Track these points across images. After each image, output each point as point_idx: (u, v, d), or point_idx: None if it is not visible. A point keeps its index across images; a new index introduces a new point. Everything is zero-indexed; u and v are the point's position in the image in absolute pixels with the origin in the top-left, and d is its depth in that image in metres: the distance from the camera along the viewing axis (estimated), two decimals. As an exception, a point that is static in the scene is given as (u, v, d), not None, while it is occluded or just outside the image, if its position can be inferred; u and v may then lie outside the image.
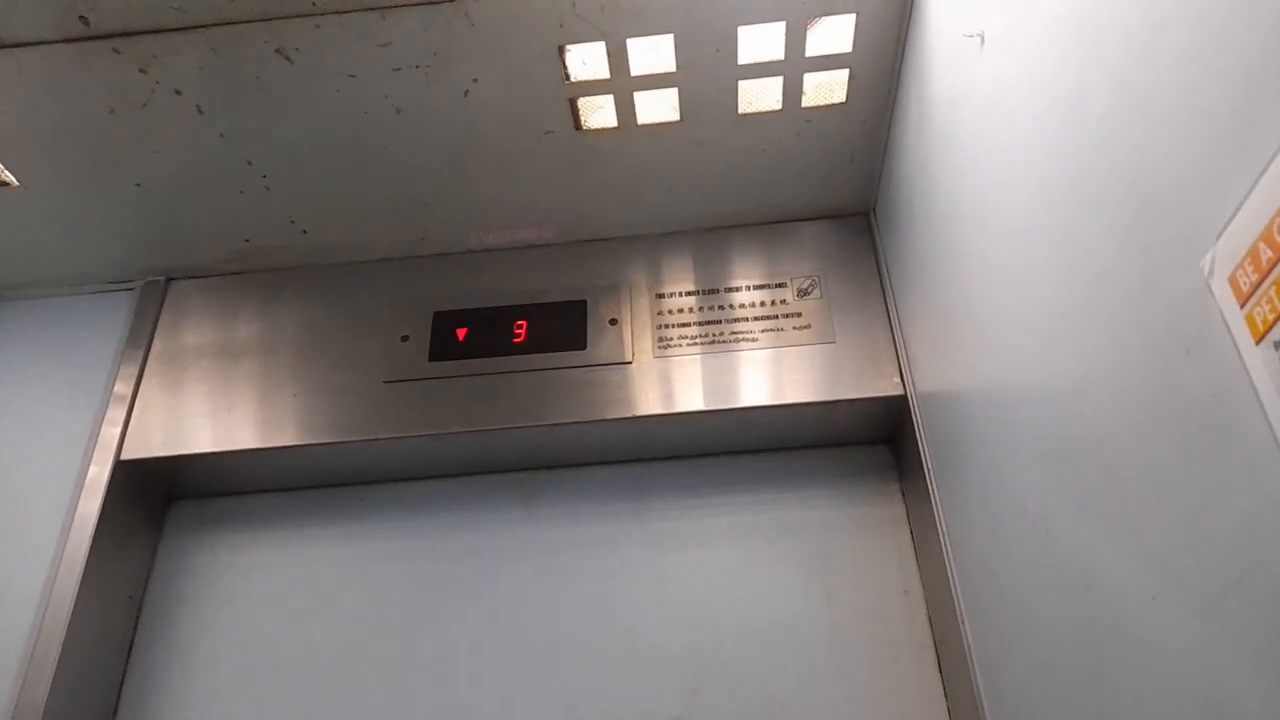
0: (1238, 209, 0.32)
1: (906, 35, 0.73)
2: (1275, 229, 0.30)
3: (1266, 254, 0.30)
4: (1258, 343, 0.31)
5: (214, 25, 0.73)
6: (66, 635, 0.77)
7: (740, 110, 0.79)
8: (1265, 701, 0.32)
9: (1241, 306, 0.31)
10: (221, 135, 0.80)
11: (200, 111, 0.78)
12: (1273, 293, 0.30)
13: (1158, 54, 0.37)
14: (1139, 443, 0.40)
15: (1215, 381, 0.33)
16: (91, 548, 0.81)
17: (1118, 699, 0.44)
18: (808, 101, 0.79)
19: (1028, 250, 0.51)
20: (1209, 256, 0.33)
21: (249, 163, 0.83)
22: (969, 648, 0.67)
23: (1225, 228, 0.32)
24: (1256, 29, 0.31)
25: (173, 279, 0.95)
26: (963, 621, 0.68)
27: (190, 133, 0.80)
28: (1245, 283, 0.31)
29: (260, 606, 0.87)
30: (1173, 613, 0.38)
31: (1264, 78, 0.30)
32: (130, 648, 0.86)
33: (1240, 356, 0.32)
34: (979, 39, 0.57)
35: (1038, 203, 0.49)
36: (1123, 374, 0.41)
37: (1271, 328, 0.30)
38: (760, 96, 0.78)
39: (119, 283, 0.96)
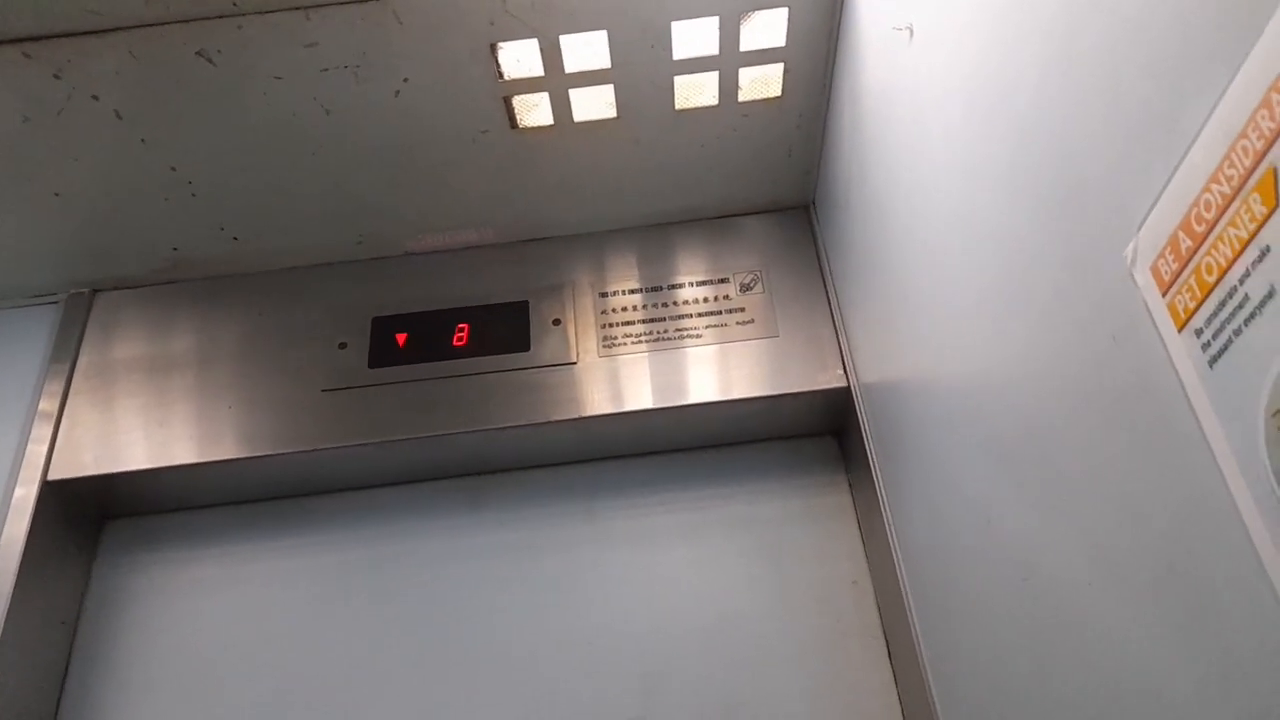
0: (1157, 199, 0.32)
1: (839, 29, 0.73)
2: (1194, 219, 0.30)
3: (1186, 243, 0.30)
4: (1180, 330, 0.31)
5: (131, 28, 0.70)
6: (-4, 664, 0.75)
7: (677, 106, 0.79)
8: (1197, 686, 0.33)
9: (1164, 295, 0.32)
10: (143, 141, 0.78)
11: (119, 117, 0.75)
12: (1193, 281, 0.30)
13: (1077, 46, 0.37)
14: (1073, 431, 0.40)
15: (1142, 370, 0.34)
16: (19, 573, 0.78)
17: (1059, 685, 0.44)
18: (744, 96, 0.79)
19: (961, 241, 0.51)
20: (1131, 246, 0.34)
21: (173, 169, 0.80)
22: (917, 636, 0.68)
23: (1146, 218, 0.33)
24: (1173, 21, 0.31)
25: (99, 290, 0.92)
26: (910, 610, 0.69)
27: (110, 139, 0.77)
28: (1167, 272, 0.32)
29: (202, 626, 0.85)
30: (1109, 599, 0.38)
31: (1180, 68, 0.31)
32: (64, 675, 0.83)
33: (1164, 345, 0.32)
34: (908, 32, 0.57)
35: (969, 194, 0.50)
36: (1055, 363, 0.41)
37: (1192, 316, 0.30)
38: (696, 92, 0.78)
39: (41, 296, 0.92)
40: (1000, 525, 0.50)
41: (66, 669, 0.83)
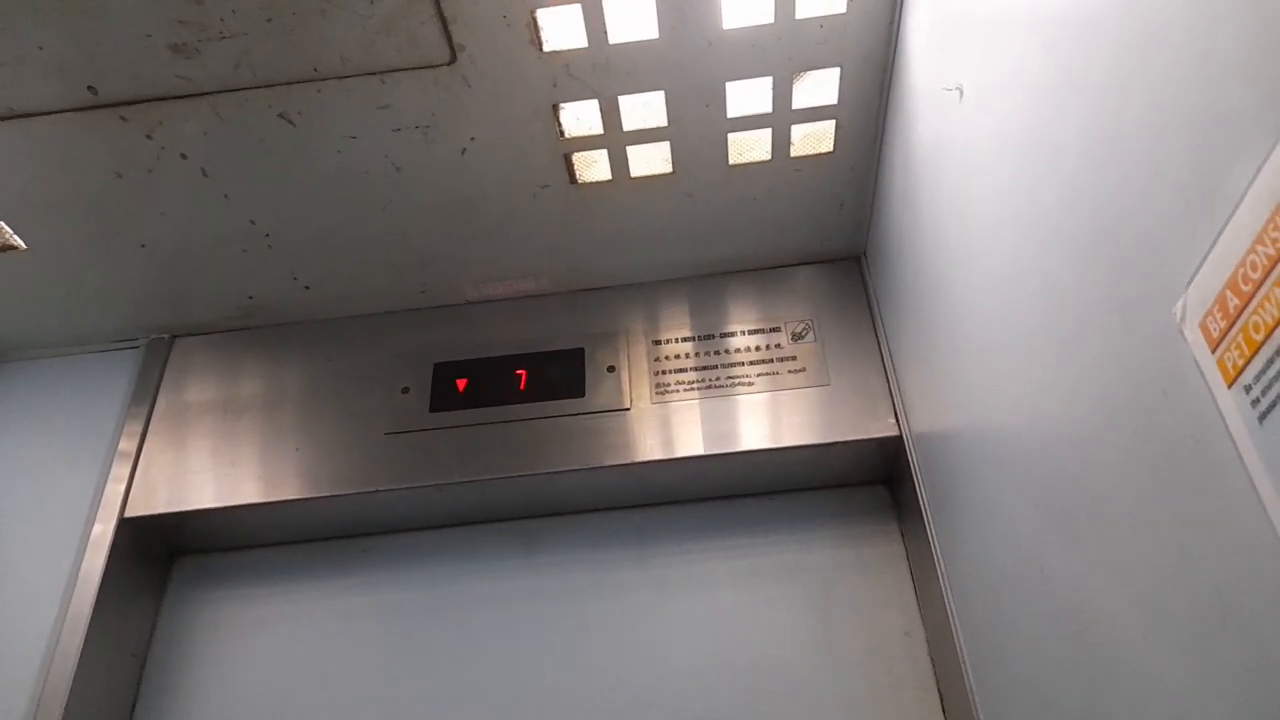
0: (1204, 258, 0.33)
1: (890, 87, 0.75)
2: (1240, 278, 0.31)
3: (1233, 301, 0.31)
4: (1229, 386, 0.32)
5: (219, 92, 0.75)
6: (70, 694, 0.78)
7: (731, 161, 0.81)
8: (1255, 737, 0.33)
9: (1213, 351, 0.33)
10: (226, 196, 0.82)
11: (205, 174, 0.80)
12: (1240, 339, 0.31)
13: (1124, 109, 0.38)
14: (1123, 483, 0.41)
15: (1192, 423, 0.35)
16: (95, 605, 0.82)
17: (1116, 736, 0.44)
18: (796, 151, 0.81)
19: (1010, 295, 0.53)
20: (1180, 303, 0.35)
21: (252, 222, 0.85)
22: (971, 688, 0.67)
23: (1194, 276, 0.34)
24: (1218, 87, 0.32)
25: (177, 336, 0.97)
26: (964, 662, 0.69)
27: (195, 195, 0.82)
28: (1215, 329, 0.33)
29: (264, 661, 0.87)
30: (1162, 652, 0.39)
31: (1225, 131, 0.32)
32: (134, 706, 0.85)
33: (1214, 400, 0.33)
34: (958, 93, 0.59)
35: (1018, 249, 0.51)
36: (1104, 416, 0.42)
37: (1241, 372, 0.31)
38: (749, 148, 0.81)
39: (124, 341, 0.97)
40: (1054, 577, 0.50)
41: (135, 699, 0.86)
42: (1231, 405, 0.32)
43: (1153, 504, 0.38)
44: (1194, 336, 0.34)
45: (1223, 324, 0.32)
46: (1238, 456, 0.32)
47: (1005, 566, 0.59)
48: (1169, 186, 0.35)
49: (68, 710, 0.77)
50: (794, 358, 0.87)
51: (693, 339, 0.90)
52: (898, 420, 0.82)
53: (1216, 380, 0.33)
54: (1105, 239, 0.41)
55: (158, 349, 0.96)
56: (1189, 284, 0.34)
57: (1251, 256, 0.30)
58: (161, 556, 0.92)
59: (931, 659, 0.79)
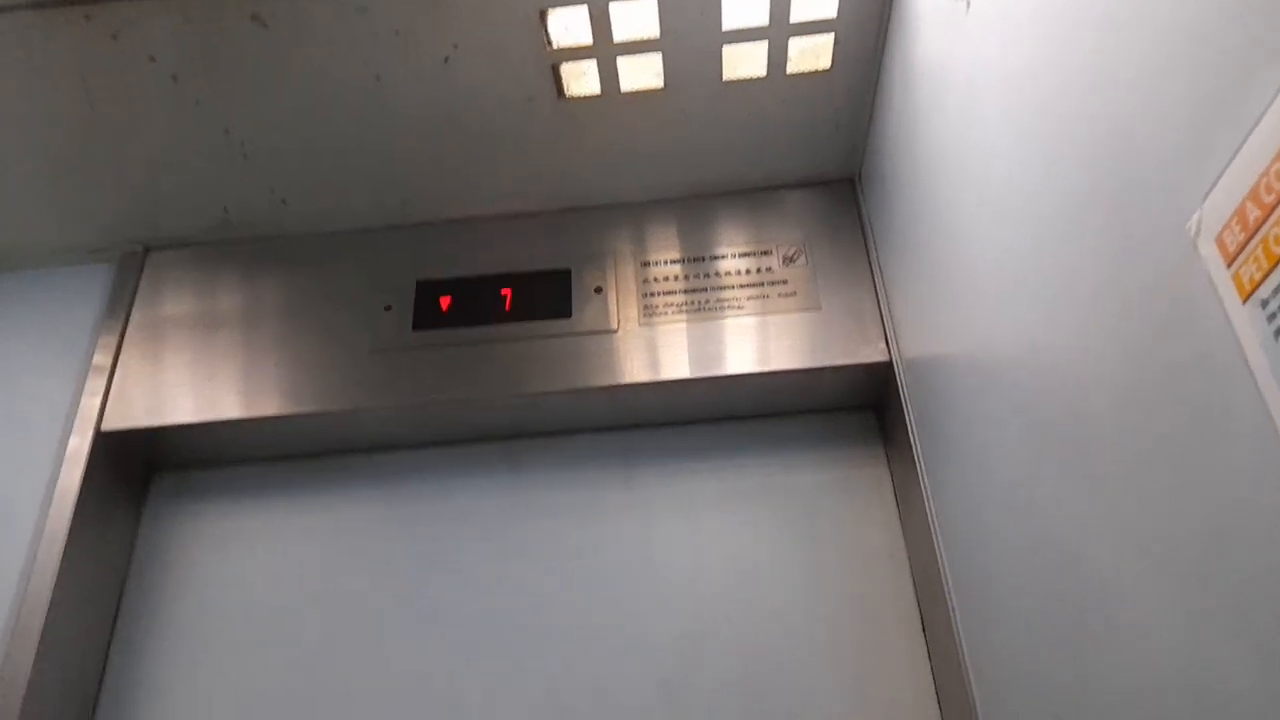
0: (1223, 170, 0.32)
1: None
2: (1262, 189, 0.30)
3: (1254, 214, 0.30)
4: (1244, 301, 0.31)
5: (188, -11, 0.71)
6: (50, 608, 0.77)
7: (724, 77, 0.79)
8: (1252, 676, 0.33)
9: (1228, 266, 0.32)
10: (197, 103, 0.79)
11: (175, 79, 0.77)
12: (1259, 252, 0.30)
13: (1142, 15, 0.36)
14: (1124, 409, 0.40)
15: (1201, 343, 0.34)
16: (73, 520, 0.80)
17: (1099, 668, 0.44)
18: (792, 68, 0.78)
19: (1012, 216, 0.51)
20: (1195, 218, 0.33)
21: (226, 131, 0.82)
22: (953, 609, 0.68)
23: (1211, 189, 0.32)
24: (1244, -10, 0.31)
25: (151, 249, 0.94)
26: (947, 584, 0.69)
27: (165, 101, 0.78)
28: (1232, 243, 0.31)
29: (244, 577, 0.87)
30: (1155, 579, 0.39)
31: (1248, 36, 0.30)
32: (115, 619, 0.85)
33: (1227, 316, 0.32)
34: (964, 3, 0.57)
35: (1022, 167, 0.49)
36: (1107, 340, 0.41)
37: (1258, 286, 0.30)
38: (744, 63, 0.78)
39: (97, 254, 0.94)
40: (1043, 507, 0.50)
41: (117, 613, 0.85)
42: (1246, 321, 0.31)
43: (1154, 429, 0.38)
44: (1208, 251, 0.33)
45: (1241, 237, 0.31)
46: (1249, 374, 0.31)
47: (992, 491, 0.59)
48: (1188, 94, 0.34)
49: (47, 625, 0.76)
50: (785, 281, 0.86)
51: (682, 261, 0.88)
52: (888, 346, 0.81)
53: (1231, 296, 0.32)
54: (1116, 155, 0.39)
55: (131, 262, 0.93)
56: (1205, 197, 0.33)
57: (1276, 165, 0.29)
58: (139, 472, 0.91)
59: (914, 580, 0.80)
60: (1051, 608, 0.49)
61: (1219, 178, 0.32)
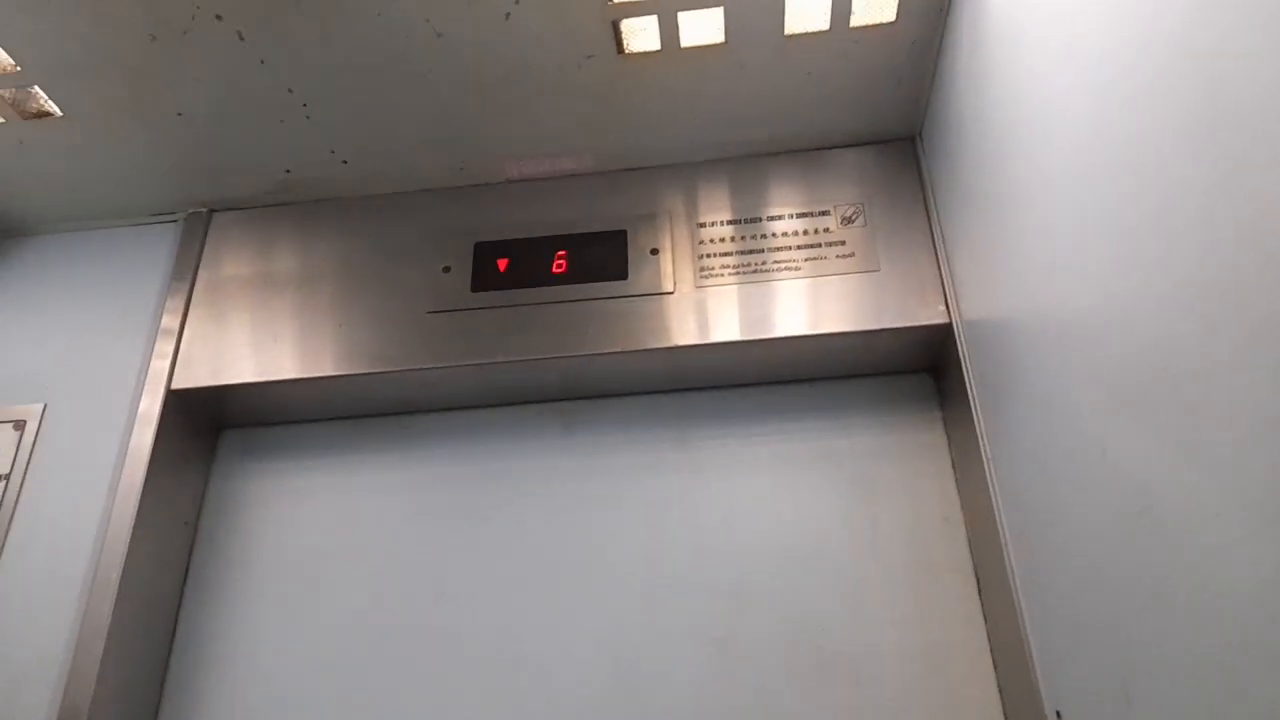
0: (1331, 109, 0.31)
1: (961, -51, 0.70)
2: (1373, 128, 0.29)
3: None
4: (1347, 246, 0.30)
5: (253, -51, 0.72)
6: (126, 561, 0.80)
7: (786, 31, 0.77)
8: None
9: (1331, 210, 0.31)
10: (262, 62, 0.80)
11: (241, 38, 0.77)
12: (1367, 194, 0.29)
13: (1246, -49, 0.35)
14: (1208, 358, 0.39)
15: (1297, 289, 0.33)
16: (146, 476, 0.83)
17: (1176, 626, 0.44)
18: (856, 20, 0.77)
19: (1092, 167, 0.50)
20: (1296, 160, 0.32)
21: (290, 91, 0.83)
22: (1011, 570, 0.68)
23: (1316, 130, 0.31)
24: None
25: (215, 210, 0.96)
26: (1006, 545, 0.69)
27: (231, 60, 0.79)
28: (1336, 185, 0.30)
29: (309, 531, 0.89)
30: (1236, 527, 0.38)
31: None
32: (186, 571, 0.88)
33: (1327, 262, 0.31)
34: (1042, -51, 0.55)
35: (1107, 116, 0.48)
36: (1193, 288, 0.40)
37: (1364, 230, 0.29)
38: (807, 15, 0.77)
39: (162, 214, 0.96)
40: (1117, 456, 0.49)
41: (189, 563, 0.88)
42: (1348, 266, 0.30)
43: (1242, 373, 0.37)
44: (1309, 195, 0.32)
45: (1347, 179, 0.30)
46: (1350, 321, 0.30)
47: (1059, 452, 0.58)
48: (1293, 33, 0.33)
49: (124, 575, 0.79)
50: (843, 242, 0.85)
51: (738, 222, 0.88)
52: (948, 308, 0.80)
53: (1332, 241, 0.31)
54: (1210, 95, 0.38)
55: (196, 223, 0.95)
56: (1309, 138, 0.32)
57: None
58: (208, 429, 0.94)
59: (969, 543, 0.79)
60: (1123, 558, 0.49)
61: (1324, 117, 0.31)
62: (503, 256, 0.89)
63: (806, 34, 0.78)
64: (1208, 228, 0.39)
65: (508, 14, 0.76)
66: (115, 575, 0.79)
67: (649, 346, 0.83)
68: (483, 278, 0.88)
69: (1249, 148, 0.35)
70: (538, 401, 0.92)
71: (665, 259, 0.87)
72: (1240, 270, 0.36)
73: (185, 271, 0.93)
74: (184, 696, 0.84)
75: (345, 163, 0.90)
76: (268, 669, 0.84)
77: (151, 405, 0.87)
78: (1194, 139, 0.39)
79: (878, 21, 0.77)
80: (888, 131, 0.89)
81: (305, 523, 0.90)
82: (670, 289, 0.85)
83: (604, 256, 0.88)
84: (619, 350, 0.84)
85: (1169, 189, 0.42)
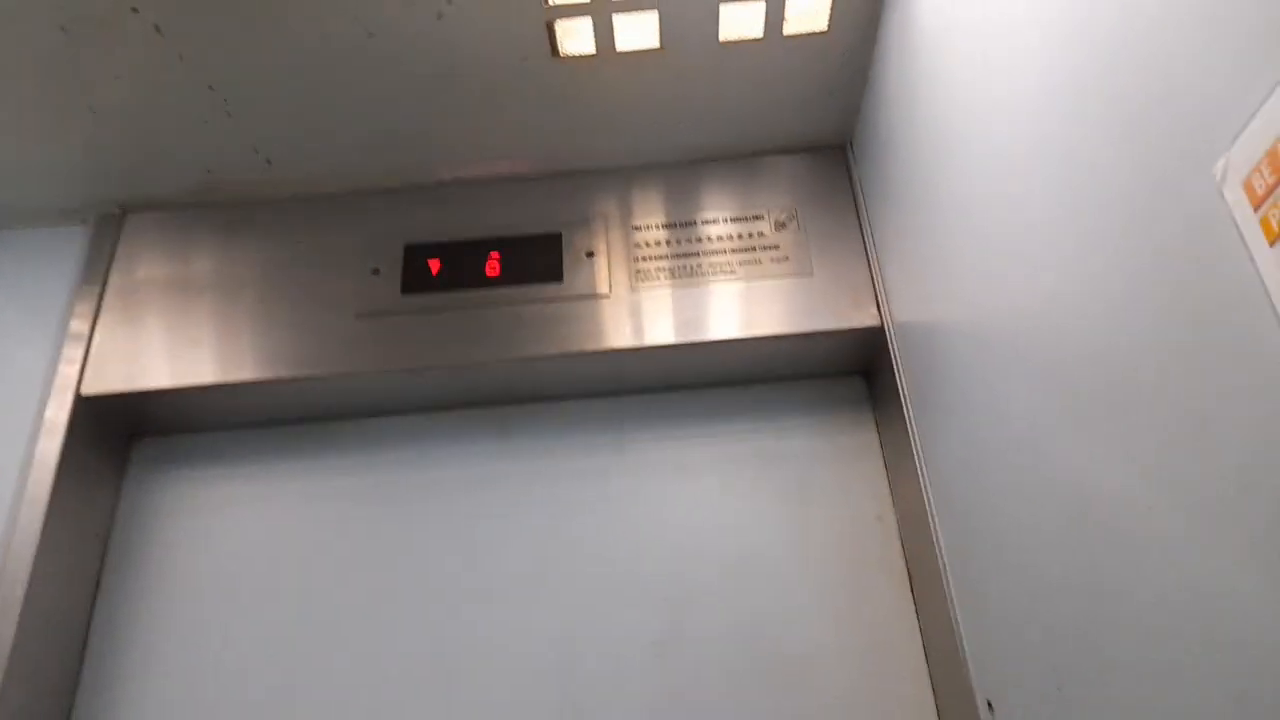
0: (1254, 113, 0.32)
1: (891, -39, 0.72)
2: (1294, 131, 0.30)
3: (1284, 157, 0.31)
4: (1272, 245, 0.31)
5: (173, -63, 0.69)
6: (31, 574, 0.75)
7: (721, 38, 0.78)
8: (1266, 604, 0.33)
9: (1256, 210, 0.32)
10: (181, 58, 0.77)
11: (159, 31, 0.74)
12: (1290, 194, 0.31)
13: (1171, -36, 0.37)
14: (1144, 355, 0.41)
15: (1225, 288, 0.34)
16: (54, 486, 0.79)
17: (1109, 625, 0.45)
18: (789, 29, 0.78)
19: (1024, 171, 0.52)
20: (1222, 162, 0.34)
21: (211, 88, 0.80)
22: (944, 568, 0.69)
23: (1240, 133, 0.33)
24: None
25: (129, 211, 0.92)
26: (938, 544, 0.70)
27: (149, 54, 0.76)
28: (1260, 186, 0.32)
29: (229, 543, 0.86)
30: (1173, 522, 0.39)
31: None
32: (97, 586, 0.84)
33: (1253, 260, 0.32)
34: (972, -39, 0.57)
35: (1036, 120, 0.49)
36: (1125, 287, 0.42)
37: (1287, 229, 0.31)
38: (741, 23, 0.77)
39: (72, 215, 0.92)
40: (1053, 458, 0.51)
41: (99, 579, 0.84)
42: (1273, 264, 0.31)
43: (1174, 375, 0.38)
44: (1234, 196, 0.33)
45: (1270, 180, 0.31)
46: (1275, 319, 0.32)
47: (990, 453, 0.59)
48: (1216, 39, 0.34)
49: (29, 592, 0.75)
50: (776, 246, 0.86)
51: (674, 225, 0.88)
52: (879, 311, 0.82)
53: (1257, 240, 0.32)
54: (1138, 101, 0.40)
55: (109, 224, 0.91)
56: (1234, 141, 0.33)
57: (1311, 107, 0.29)
58: (120, 437, 0.90)
59: (902, 544, 0.81)
60: (1059, 555, 0.50)
61: (1250, 120, 0.32)
62: (434, 258, 0.87)
63: (741, 41, 0.78)
64: (1138, 234, 0.40)
65: (440, 14, 0.75)
66: (19, 593, 0.75)
67: (585, 349, 0.83)
68: (414, 280, 0.86)
69: (1179, 155, 0.37)
70: (473, 406, 0.90)
71: (600, 262, 0.87)
72: (1171, 276, 0.38)
73: (96, 274, 0.89)
74: (95, 720, 0.79)
75: (269, 163, 0.88)
76: (185, 689, 0.80)
77: (58, 412, 0.82)
78: (1123, 147, 0.41)
79: (811, 30, 0.78)
80: (820, 139, 0.90)
81: (225, 535, 0.86)
82: (606, 292, 0.85)
83: (539, 259, 0.87)
84: (555, 353, 0.83)
85: (1098, 196, 0.43)
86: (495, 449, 0.88)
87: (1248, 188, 0.33)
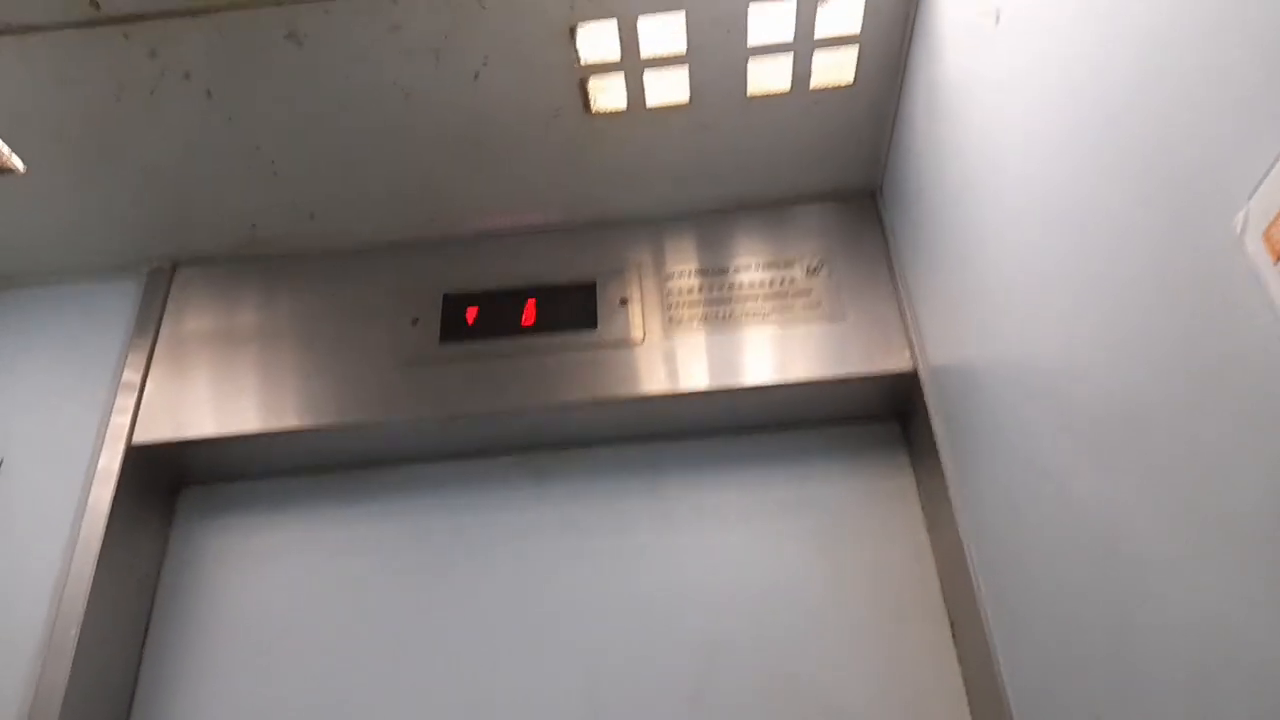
0: (1271, 166, 0.33)
1: (916, 15, 0.74)
2: (1311, 185, 0.31)
3: (1302, 210, 0.31)
4: (1293, 296, 0.32)
5: (224, 9, 0.73)
6: (84, 620, 0.77)
7: (749, 92, 0.80)
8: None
9: (1276, 262, 0.33)
10: (229, 120, 0.80)
11: (209, 96, 0.78)
12: (1309, 247, 0.31)
13: (1184, 16, 0.37)
14: (1167, 405, 0.41)
15: (1246, 338, 0.35)
16: (106, 534, 0.81)
17: (1143, 658, 0.45)
18: (816, 83, 0.79)
19: (1044, 221, 0.52)
20: (1241, 215, 0.34)
21: (257, 148, 0.83)
22: (985, 617, 0.68)
23: (1259, 185, 0.33)
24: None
25: (179, 265, 0.95)
26: (977, 588, 0.69)
27: (198, 117, 0.80)
28: (1280, 239, 0.32)
29: (273, 590, 0.87)
30: (1199, 570, 0.39)
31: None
32: (146, 632, 0.86)
33: (1274, 312, 0.33)
34: (994, 17, 0.58)
35: (1056, 174, 0.50)
36: (1149, 338, 0.42)
37: (1307, 281, 0.31)
38: (769, 77, 0.79)
39: (125, 270, 0.95)
40: (1082, 503, 0.50)
41: (148, 626, 0.86)
42: (1295, 315, 0.32)
43: (1197, 424, 0.38)
44: (1255, 248, 0.34)
45: (1290, 233, 0.32)
46: (1299, 367, 0.32)
47: (1026, 494, 0.59)
48: (1232, 93, 0.35)
49: (81, 637, 0.77)
50: (808, 292, 0.87)
51: (706, 272, 0.89)
52: (913, 355, 0.82)
53: (1278, 290, 0.33)
54: (1156, 155, 0.40)
55: (159, 278, 0.95)
56: (1252, 194, 0.34)
57: (1326, 162, 0.30)
58: (168, 486, 0.92)
59: (942, 588, 0.80)
60: (1090, 602, 0.50)
61: (1266, 174, 0.33)
62: (472, 306, 0.89)
63: (768, 95, 0.80)
64: (1160, 283, 0.40)
65: (476, 74, 0.77)
66: (72, 636, 0.77)
67: (619, 395, 0.84)
68: (451, 329, 0.88)
69: (1200, 208, 0.37)
70: (508, 453, 0.92)
71: (634, 309, 0.88)
72: (1194, 316, 0.38)
73: (148, 326, 0.92)
74: (141, 765, 0.81)
75: (312, 218, 0.91)
76: (229, 734, 0.81)
77: (111, 461, 0.85)
78: (1141, 194, 0.41)
79: (837, 84, 0.80)
80: (848, 188, 0.91)
81: (268, 581, 0.88)
82: (639, 338, 0.86)
83: (573, 307, 0.89)
84: (589, 399, 0.84)
85: (1118, 241, 0.44)
86: (530, 495, 0.89)
87: (1268, 239, 0.33)
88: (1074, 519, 0.51)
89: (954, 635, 0.78)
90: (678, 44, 0.75)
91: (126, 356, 0.90)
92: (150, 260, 0.95)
